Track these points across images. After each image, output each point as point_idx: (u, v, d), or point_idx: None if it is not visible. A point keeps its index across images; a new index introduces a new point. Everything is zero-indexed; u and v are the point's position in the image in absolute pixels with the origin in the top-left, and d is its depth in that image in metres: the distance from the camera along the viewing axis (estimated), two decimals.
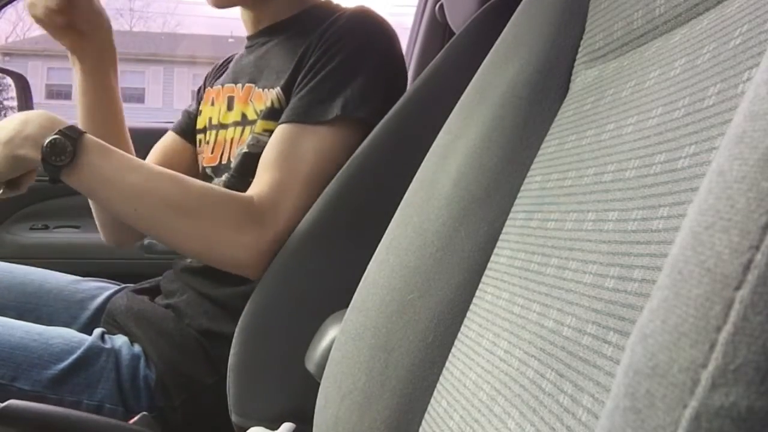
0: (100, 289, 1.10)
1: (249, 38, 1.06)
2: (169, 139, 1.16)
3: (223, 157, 1.00)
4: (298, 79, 0.91)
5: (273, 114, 0.93)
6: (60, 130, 0.79)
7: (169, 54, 16.37)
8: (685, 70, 0.38)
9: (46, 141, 0.78)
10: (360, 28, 0.93)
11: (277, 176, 0.85)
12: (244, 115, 0.98)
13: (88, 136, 0.81)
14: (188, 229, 0.82)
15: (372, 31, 0.94)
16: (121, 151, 0.83)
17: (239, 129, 0.98)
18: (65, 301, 1.07)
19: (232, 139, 0.99)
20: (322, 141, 0.88)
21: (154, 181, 0.81)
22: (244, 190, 0.89)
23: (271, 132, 0.91)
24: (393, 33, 0.97)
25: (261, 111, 0.95)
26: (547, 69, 0.57)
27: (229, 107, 1.02)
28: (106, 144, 0.82)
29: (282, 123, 0.89)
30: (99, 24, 0.98)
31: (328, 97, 0.88)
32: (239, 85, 1.01)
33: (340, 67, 0.89)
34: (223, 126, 1.02)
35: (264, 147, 0.91)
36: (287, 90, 0.92)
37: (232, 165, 0.97)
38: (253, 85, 0.99)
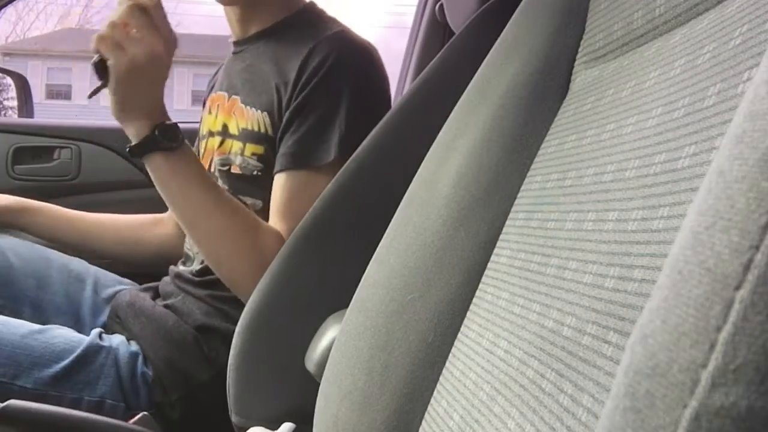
0: (116, 282, 1.15)
1: (236, 44, 1.06)
2: None
3: (209, 165, 1.03)
4: (286, 116, 0.93)
5: (260, 139, 0.96)
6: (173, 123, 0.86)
7: None
8: (685, 70, 0.38)
9: (166, 122, 0.84)
10: (342, 60, 0.93)
11: (293, 227, 0.88)
12: (225, 126, 1.01)
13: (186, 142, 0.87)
14: (222, 259, 0.89)
15: (354, 62, 0.95)
16: (202, 165, 0.91)
17: (218, 139, 1.01)
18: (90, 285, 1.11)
19: (213, 148, 1.02)
20: (325, 184, 0.89)
21: (215, 206, 0.87)
22: None
23: (259, 156, 0.96)
24: (373, 55, 0.99)
25: (243, 129, 0.97)
26: (547, 69, 0.57)
27: (216, 115, 1.04)
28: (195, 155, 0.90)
29: (285, 169, 0.92)
30: None
31: (323, 139, 0.92)
32: (226, 95, 1.03)
33: (330, 109, 0.92)
34: (211, 134, 1.04)
35: (254, 171, 0.96)
36: (272, 116, 0.95)
37: (218, 178, 1.00)
38: (237, 97, 1.00)
